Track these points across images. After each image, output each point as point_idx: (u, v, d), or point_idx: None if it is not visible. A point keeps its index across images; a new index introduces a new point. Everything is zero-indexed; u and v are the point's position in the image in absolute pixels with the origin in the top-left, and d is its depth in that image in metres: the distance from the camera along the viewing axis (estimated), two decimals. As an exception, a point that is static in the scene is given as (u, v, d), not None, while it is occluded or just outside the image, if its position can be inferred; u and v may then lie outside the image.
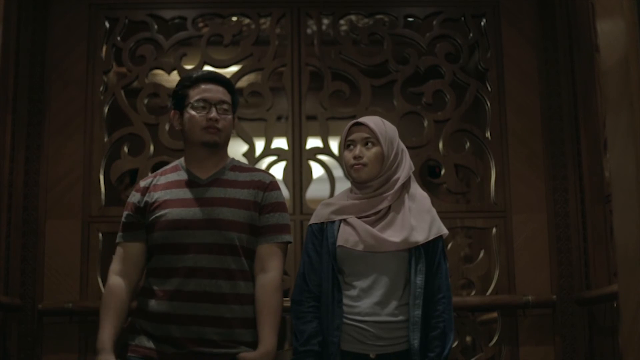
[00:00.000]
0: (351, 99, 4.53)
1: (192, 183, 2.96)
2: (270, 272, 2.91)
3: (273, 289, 2.91)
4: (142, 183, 3.04)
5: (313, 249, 2.98)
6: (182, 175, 2.99)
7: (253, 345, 2.86)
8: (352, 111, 4.47)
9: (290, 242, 3.03)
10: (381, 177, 2.95)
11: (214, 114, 2.93)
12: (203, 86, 2.97)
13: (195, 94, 2.95)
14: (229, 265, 2.86)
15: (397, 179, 2.95)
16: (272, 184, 3.02)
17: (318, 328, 2.88)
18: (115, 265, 2.99)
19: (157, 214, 2.91)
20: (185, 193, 2.94)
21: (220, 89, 2.99)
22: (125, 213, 3.02)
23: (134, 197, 3.01)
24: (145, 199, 2.97)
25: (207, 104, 2.94)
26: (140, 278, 2.97)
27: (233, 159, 3.08)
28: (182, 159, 3.06)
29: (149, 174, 3.25)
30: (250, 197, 2.94)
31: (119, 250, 3.01)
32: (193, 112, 2.93)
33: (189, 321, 2.80)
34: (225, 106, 2.97)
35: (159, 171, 3.13)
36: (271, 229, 2.96)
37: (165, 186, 2.98)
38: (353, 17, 4.77)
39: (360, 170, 2.94)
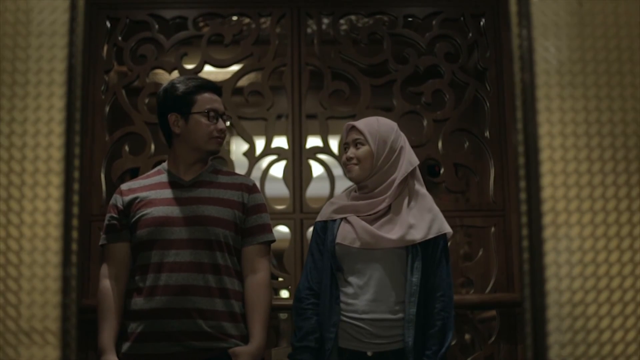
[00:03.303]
0: (351, 98, 4.56)
1: (175, 184, 3.01)
2: (260, 273, 2.99)
3: (263, 288, 2.98)
4: (124, 186, 3.09)
5: (316, 247, 3.04)
6: (165, 178, 3.05)
7: (239, 339, 2.91)
8: (352, 110, 4.51)
9: (274, 241, 3.09)
10: (375, 176, 2.98)
11: (222, 125, 3.02)
12: (207, 95, 3.02)
13: (204, 102, 3.00)
14: (216, 260, 2.92)
15: (394, 180, 2.97)
16: (255, 186, 3.10)
17: (316, 325, 2.92)
18: (103, 269, 3.03)
19: (141, 213, 2.96)
20: (169, 193, 3.00)
21: (220, 99, 3.08)
22: (108, 215, 3.06)
23: (116, 199, 3.05)
24: (128, 200, 3.01)
25: (216, 114, 3.00)
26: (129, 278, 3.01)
27: (213, 163, 3.14)
28: (164, 164, 3.11)
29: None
30: (235, 198, 3.00)
31: (105, 252, 3.06)
32: (205, 120, 2.98)
33: (182, 314, 2.84)
34: (225, 117, 3.04)
35: (142, 175, 3.22)
36: (259, 229, 3.03)
37: (149, 187, 3.03)
38: (353, 17, 4.80)
39: (351, 169, 3.00)
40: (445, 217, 3.05)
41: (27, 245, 1.56)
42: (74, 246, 1.57)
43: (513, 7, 1.53)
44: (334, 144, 4.55)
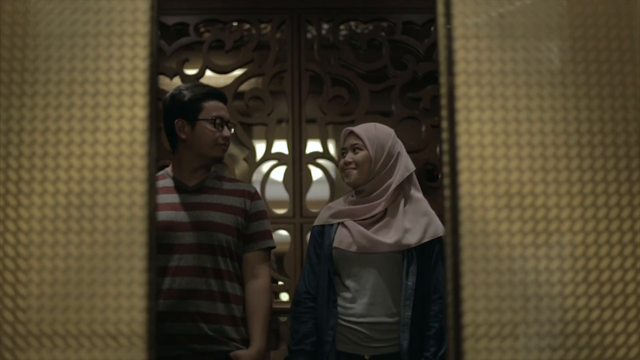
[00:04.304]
0: (350, 103, 4.61)
1: (179, 189, 3.04)
2: (261, 278, 3.03)
3: (263, 293, 3.02)
4: None
5: (314, 251, 3.07)
6: (169, 183, 3.08)
7: (240, 342, 2.95)
8: (351, 116, 4.56)
9: (274, 247, 3.12)
10: (372, 181, 3.00)
11: (227, 132, 3.05)
12: (214, 103, 3.06)
13: (210, 110, 3.04)
14: (218, 265, 2.95)
15: (390, 184, 2.99)
16: (256, 193, 3.13)
17: (313, 329, 2.95)
18: None
19: None
20: (173, 198, 3.02)
21: (225, 107, 3.11)
22: None
23: None
24: None
25: (222, 121, 3.04)
26: None
27: (215, 169, 3.17)
28: (167, 169, 3.14)
29: None
30: (237, 204, 3.04)
31: None
32: (211, 127, 3.02)
33: (185, 318, 2.88)
34: (230, 124, 3.09)
35: None
36: (260, 235, 3.07)
37: None
38: (352, 23, 4.83)
39: (350, 174, 3.01)
40: (443, 222, 3.05)
41: (113, 252, 1.62)
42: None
43: (440, 19, 1.56)
44: (333, 148, 4.59)
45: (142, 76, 1.62)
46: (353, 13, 4.70)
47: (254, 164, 4.55)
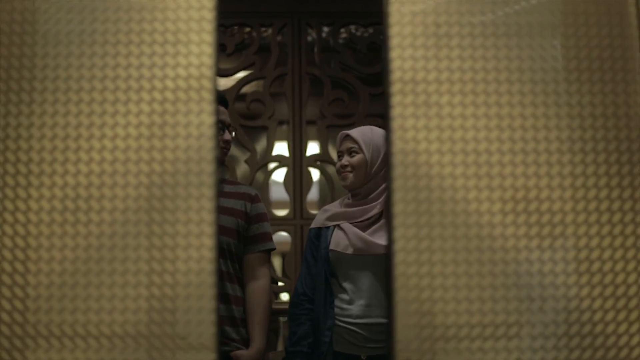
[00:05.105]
0: (350, 106, 4.66)
1: None
2: (261, 280, 3.07)
3: (263, 294, 3.06)
4: None
5: (310, 253, 3.09)
6: None
7: (240, 342, 2.99)
8: (351, 118, 4.62)
9: (274, 249, 3.17)
10: (368, 184, 3.01)
11: (228, 136, 3.10)
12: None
13: None
14: (219, 267, 2.98)
15: (386, 187, 3.01)
16: (257, 196, 3.18)
17: (309, 330, 2.98)
18: None
19: None
20: None
21: (227, 111, 3.16)
22: None
23: None
24: None
25: (223, 125, 3.09)
26: None
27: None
28: None
29: None
30: (238, 207, 3.08)
31: None
32: None
33: None
34: (230, 128, 3.14)
35: None
36: (260, 237, 3.11)
37: None
38: (352, 27, 4.87)
39: (346, 177, 3.02)
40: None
41: (182, 255, 1.67)
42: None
43: (386, 29, 1.61)
44: (334, 151, 4.63)
45: (208, 84, 1.65)
46: (353, 17, 4.74)
47: (255, 166, 4.58)
